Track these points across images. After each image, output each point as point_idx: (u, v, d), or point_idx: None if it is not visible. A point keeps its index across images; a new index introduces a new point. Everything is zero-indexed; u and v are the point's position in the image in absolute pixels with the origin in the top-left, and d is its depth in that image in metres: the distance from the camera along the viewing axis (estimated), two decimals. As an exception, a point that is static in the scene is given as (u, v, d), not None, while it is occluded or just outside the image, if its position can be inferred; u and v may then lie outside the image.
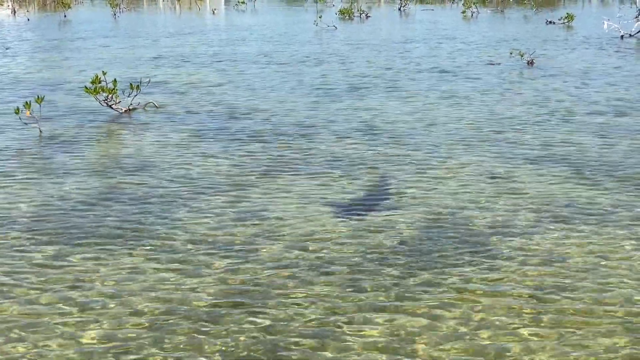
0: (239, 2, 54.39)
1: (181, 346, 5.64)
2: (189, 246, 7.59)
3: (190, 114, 14.47)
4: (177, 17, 44.72)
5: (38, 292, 6.57)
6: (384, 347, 5.59)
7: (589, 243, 7.54)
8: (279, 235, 7.86)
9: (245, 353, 5.55)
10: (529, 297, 6.37)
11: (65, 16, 43.98)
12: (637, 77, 18.42)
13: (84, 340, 5.74)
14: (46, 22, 40.78)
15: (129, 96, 14.90)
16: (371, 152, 11.32)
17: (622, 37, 27.96)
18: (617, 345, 5.57)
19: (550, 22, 34.95)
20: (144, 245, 7.61)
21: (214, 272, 6.95)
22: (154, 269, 7.04)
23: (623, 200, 8.88)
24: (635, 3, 31.67)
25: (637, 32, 28.44)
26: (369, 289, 6.55)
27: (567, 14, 34.82)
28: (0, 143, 12.13)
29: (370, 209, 8.68)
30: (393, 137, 12.24)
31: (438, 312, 6.12)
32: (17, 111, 12.84)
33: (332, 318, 6.05)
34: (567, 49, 24.71)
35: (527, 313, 6.08)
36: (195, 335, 5.80)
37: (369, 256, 7.28)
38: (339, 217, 8.43)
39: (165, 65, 21.95)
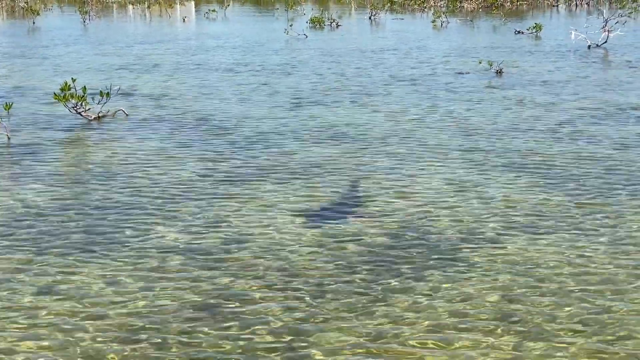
0: (209, 10, 54.29)
1: (151, 354, 5.64)
2: (158, 254, 7.58)
3: (159, 122, 14.44)
4: (147, 25, 44.58)
5: (3, 300, 6.53)
6: (351, 356, 5.62)
7: (557, 250, 7.63)
8: (248, 243, 7.88)
9: (214, 360, 5.56)
10: (497, 304, 6.43)
11: (34, 23, 43.67)
12: (603, 87, 18.64)
13: (51, 349, 5.71)
14: (15, 28, 40.47)
15: (98, 103, 14.85)
16: (340, 160, 11.37)
17: (589, 47, 28.27)
18: (585, 353, 5.64)
19: (518, 32, 35.26)
20: (112, 254, 7.60)
21: (183, 280, 6.94)
22: (122, 277, 7.03)
23: (592, 208, 8.99)
24: (602, 14, 32.03)
25: (604, 43, 28.78)
26: (337, 297, 6.58)
27: (536, 24, 35.13)
28: (-32, 150, 12.04)
29: (339, 217, 8.72)
30: (362, 146, 12.30)
31: (406, 320, 6.16)
32: (-15, 118, 12.76)
33: (300, 326, 6.07)
34: (536, 59, 24.95)
35: (494, 320, 6.14)
36: (164, 343, 5.80)
37: (337, 264, 7.31)
38: (308, 225, 8.46)
39: (135, 73, 21.88)
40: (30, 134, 13.36)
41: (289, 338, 5.87)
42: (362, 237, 8.02)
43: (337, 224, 8.48)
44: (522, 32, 35.08)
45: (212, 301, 6.52)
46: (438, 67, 22.97)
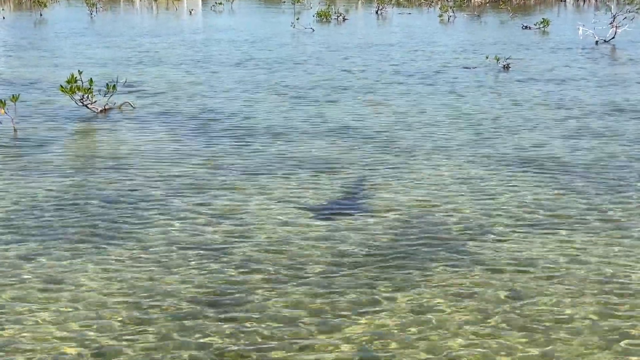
0: (216, 3, 54.24)
1: (153, 346, 5.64)
2: (163, 246, 7.58)
3: (165, 115, 14.44)
4: (154, 18, 44.59)
5: (9, 290, 6.54)
6: (356, 348, 5.62)
7: (563, 247, 7.61)
8: (253, 236, 7.87)
9: (217, 353, 5.56)
10: (501, 299, 6.42)
11: (41, 15, 43.72)
12: (610, 83, 18.59)
13: (55, 339, 5.72)
14: (22, 21, 40.52)
15: (104, 96, 14.84)
16: (346, 154, 11.35)
17: (596, 42, 28.20)
18: (589, 348, 5.64)
19: (526, 27, 35.19)
20: (117, 245, 7.60)
21: (188, 273, 6.94)
22: (127, 269, 7.03)
23: (594, 203, 8.96)
24: (610, 10, 31.93)
25: (612, 38, 28.69)
26: (342, 291, 6.58)
27: (543, 19, 35.06)
28: (-26, 142, 12.06)
29: (345, 211, 8.70)
30: (368, 140, 12.28)
31: (411, 314, 6.16)
32: (-9, 110, 12.76)
33: (305, 319, 6.07)
34: (543, 54, 24.88)
35: (498, 315, 6.13)
36: (168, 335, 5.80)
37: (342, 258, 7.30)
38: (313, 218, 8.45)
39: (141, 66, 21.88)
40: (36, 125, 13.36)
41: (293, 331, 5.87)
42: (367, 232, 8.01)
43: (342, 218, 8.47)
44: (530, 28, 34.99)
45: (214, 294, 6.51)
46: (445, 61, 22.92)
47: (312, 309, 6.24)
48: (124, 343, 5.69)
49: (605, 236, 7.91)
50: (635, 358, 5.51)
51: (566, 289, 6.62)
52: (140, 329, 5.89)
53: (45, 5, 47.46)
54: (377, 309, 6.23)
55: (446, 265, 7.12)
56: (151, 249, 7.51)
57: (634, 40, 28.97)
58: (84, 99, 14.53)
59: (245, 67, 21.73)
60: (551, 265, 7.12)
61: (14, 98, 13.04)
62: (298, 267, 7.09)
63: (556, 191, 9.48)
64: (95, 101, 14.63)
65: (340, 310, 6.21)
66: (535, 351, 5.58)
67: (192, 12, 49.24)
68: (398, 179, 10.01)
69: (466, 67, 21.57)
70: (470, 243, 7.70)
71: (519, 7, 51.29)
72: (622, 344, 5.70)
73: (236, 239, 7.79)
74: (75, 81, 14.25)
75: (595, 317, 6.10)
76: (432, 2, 56.10)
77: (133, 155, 11.24)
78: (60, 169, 10.51)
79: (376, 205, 8.95)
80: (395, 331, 5.87)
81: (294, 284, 6.73)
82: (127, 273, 6.93)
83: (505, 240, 7.77)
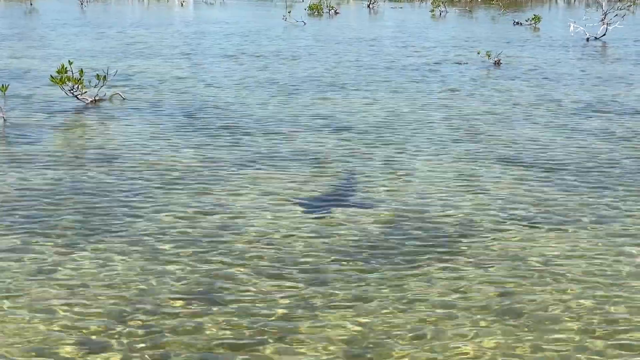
0: (207, -5, 54.11)
1: (142, 339, 5.62)
2: (153, 239, 7.55)
3: (156, 107, 14.39)
4: (145, 9, 44.44)
5: None
6: (346, 344, 5.61)
7: (554, 243, 7.61)
8: (243, 230, 7.85)
9: (206, 347, 5.54)
10: (493, 296, 6.43)
11: (31, 5, 43.52)
12: (601, 79, 18.63)
13: (43, 332, 5.70)
14: (12, 11, 40.33)
15: (95, 87, 14.79)
16: (337, 149, 11.34)
17: (587, 39, 28.26)
18: (580, 346, 5.65)
19: (517, 23, 35.24)
20: (107, 238, 7.57)
21: (177, 266, 6.92)
22: (117, 261, 7.00)
23: (588, 201, 8.97)
24: (601, 7, 32.00)
25: (603, 35, 28.75)
26: (332, 286, 6.57)
27: (534, 15, 35.13)
28: (-37, 131, 12.00)
29: (336, 206, 8.69)
30: (359, 135, 12.27)
31: (402, 310, 6.15)
32: (-20, 100, 12.70)
33: (296, 314, 6.06)
34: (534, 50, 24.92)
35: (490, 312, 6.13)
36: (157, 328, 5.78)
37: (333, 253, 7.29)
38: (304, 212, 8.44)
39: (132, 57, 21.81)
40: (26, 116, 13.30)
41: (282, 325, 5.85)
42: (358, 226, 8.00)
43: (333, 212, 8.46)
44: (521, 24, 35.06)
45: (204, 287, 6.50)
46: (436, 56, 22.92)
47: (302, 302, 6.23)
48: (114, 336, 5.66)
49: (597, 233, 7.91)
50: (629, 355, 5.52)
51: (559, 285, 6.62)
52: (127, 322, 5.86)
53: (35, -5, 47.28)
54: (368, 303, 6.23)
55: (438, 261, 7.11)
56: (141, 242, 7.48)
57: (625, 38, 29.04)
58: (74, 90, 14.46)
59: (237, 60, 21.68)
60: (544, 262, 7.13)
61: (4, 88, 12.98)
62: (288, 260, 7.08)
63: (548, 188, 9.49)
64: (85, 92, 14.57)
65: (331, 304, 6.19)
66: (527, 348, 5.58)
67: (184, 4, 49.10)
68: (389, 174, 10.00)
69: (457, 63, 21.57)
70: (462, 239, 7.69)
71: (510, 3, 51.36)
72: (616, 341, 5.70)
73: (226, 232, 7.77)
74: (66, 72, 14.19)
75: (588, 315, 6.10)
76: (424, -3, 56.12)
77: (123, 147, 11.20)
78: (49, 160, 10.46)
79: (368, 200, 8.94)
80: (386, 326, 5.86)
81: (284, 277, 6.71)
82: (117, 265, 6.91)
83: (497, 237, 7.77)
